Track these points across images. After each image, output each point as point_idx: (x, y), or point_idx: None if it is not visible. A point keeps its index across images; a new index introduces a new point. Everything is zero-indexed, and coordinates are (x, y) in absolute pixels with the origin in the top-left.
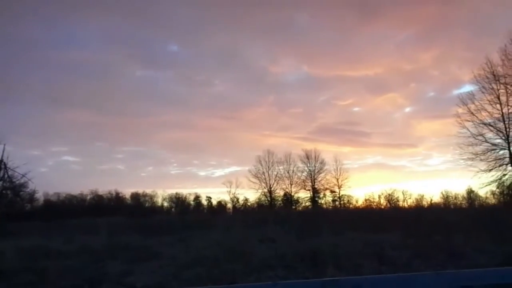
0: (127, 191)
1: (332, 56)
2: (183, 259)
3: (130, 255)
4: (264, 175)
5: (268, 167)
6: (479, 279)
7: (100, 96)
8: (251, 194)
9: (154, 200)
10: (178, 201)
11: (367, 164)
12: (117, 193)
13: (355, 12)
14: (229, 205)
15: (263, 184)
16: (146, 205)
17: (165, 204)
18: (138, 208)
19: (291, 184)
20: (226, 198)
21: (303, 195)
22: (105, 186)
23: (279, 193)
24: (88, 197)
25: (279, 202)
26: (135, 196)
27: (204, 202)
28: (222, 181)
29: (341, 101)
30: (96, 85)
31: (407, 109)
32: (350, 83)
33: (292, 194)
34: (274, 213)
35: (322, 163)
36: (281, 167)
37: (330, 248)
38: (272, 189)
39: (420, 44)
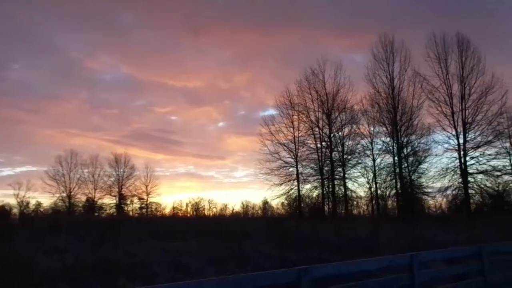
0: None
1: (154, 62)
2: None
3: None
4: (64, 178)
5: (70, 169)
6: (256, 282)
7: None
8: (46, 198)
9: None
10: None
11: (179, 173)
12: None
13: (183, 24)
14: (16, 211)
15: (62, 188)
16: None
17: None
18: None
19: (95, 189)
20: (12, 202)
21: (108, 201)
22: None
23: (81, 198)
24: None
25: (79, 208)
26: None
27: None
28: (10, 182)
29: (159, 108)
30: None
31: (220, 124)
32: (169, 92)
33: (96, 199)
34: (70, 220)
35: (132, 168)
36: (85, 170)
37: (127, 258)
38: (72, 193)
39: (237, 66)
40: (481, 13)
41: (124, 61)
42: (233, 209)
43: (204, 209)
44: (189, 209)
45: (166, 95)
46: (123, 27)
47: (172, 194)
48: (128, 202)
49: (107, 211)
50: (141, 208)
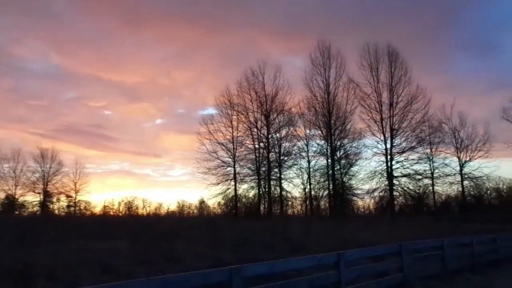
0: None
1: (89, 53)
2: None
3: None
4: None
5: None
6: (186, 282)
7: None
8: None
9: None
10: None
11: (113, 170)
12: None
13: (122, 15)
14: None
15: None
16: None
17: None
18: None
19: (17, 186)
20: None
21: (31, 198)
22: None
23: None
24: None
25: None
26: None
27: None
28: None
29: (92, 102)
30: None
31: (158, 121)
32: (105, 85)
33: (17, 197)
34: None
35: (60, 164)
36: (6, 165)
37: (49, 259)
38: None
39: (178, 63)
40: (411, 29)
41: (56, 50)
42: (168, 209)
43: (137, 208)
44: (121, 208)
45: (101, 89)
46: (56, 14)
47: (104, 192)
48: (54, 200)
49: (30, 209)
50: (68, 206)
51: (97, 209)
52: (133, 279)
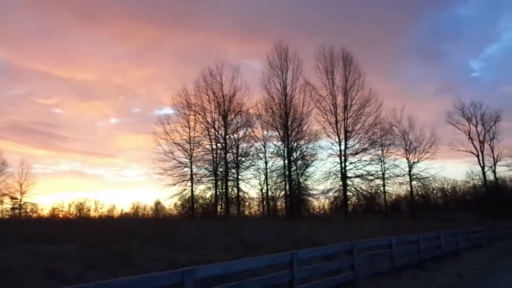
0: None
1: (38, 47)
2: None
3: None
4: None
5: None
6: (136, 285)
7: None
8: None
9: None
10: None
11: (63, 171)
12: None
13: (74, 9)
14: None
15: None
16: None
17: None
18: None
19: None
20: None
21: None
22: None
23: None
24: None
25: None
26: None
27: None
28: None
29: (40, 99)
30: None
31: (112, 120)
32: (54, 82)
33: None
34: None
35: (4, 164)
36: None
37: None
38: None
39: (134, 61)
40: (365, 35)
41: (1, 44)
42: (122, 210)
43: (89, 210)
44: (71, 210)
45: (51, 86)
46: (1, 4)
47: (54, 193)
48: None
49: None
50: (13, 209)
51: (45, 212)
52: (81, 284)
